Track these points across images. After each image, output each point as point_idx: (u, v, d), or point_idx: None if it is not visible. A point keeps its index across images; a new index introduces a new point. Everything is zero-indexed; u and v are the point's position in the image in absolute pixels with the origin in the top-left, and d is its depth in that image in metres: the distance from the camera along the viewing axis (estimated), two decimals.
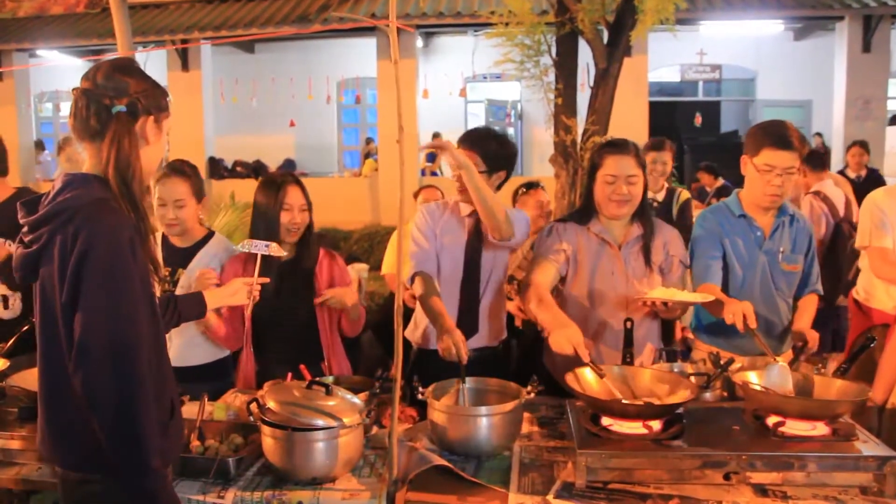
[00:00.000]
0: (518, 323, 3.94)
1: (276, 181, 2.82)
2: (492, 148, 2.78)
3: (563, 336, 2.33)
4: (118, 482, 1.61)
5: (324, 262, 2.85)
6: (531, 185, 4.42)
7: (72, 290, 1.58)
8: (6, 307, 3.02)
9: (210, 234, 2.95)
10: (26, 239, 1.67)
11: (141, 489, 1.60)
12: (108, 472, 1.63)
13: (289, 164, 13.95)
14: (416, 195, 4.33)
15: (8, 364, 2.51)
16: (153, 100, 1.73)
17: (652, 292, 2.58)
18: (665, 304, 2.54)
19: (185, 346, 2.83)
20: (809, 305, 2.90)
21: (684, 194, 4.98)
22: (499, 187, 2.84)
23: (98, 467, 1.65)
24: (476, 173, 2.57)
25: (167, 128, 1.80)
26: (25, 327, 2.69)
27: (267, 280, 2.54)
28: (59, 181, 1.69)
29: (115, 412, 1.57)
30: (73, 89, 1.71)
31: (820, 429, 2.05)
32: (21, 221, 1.69)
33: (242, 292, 2.46)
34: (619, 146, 2.73)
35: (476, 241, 2.81)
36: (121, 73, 1.70)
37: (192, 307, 2.31)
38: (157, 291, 1.91)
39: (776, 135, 2.73)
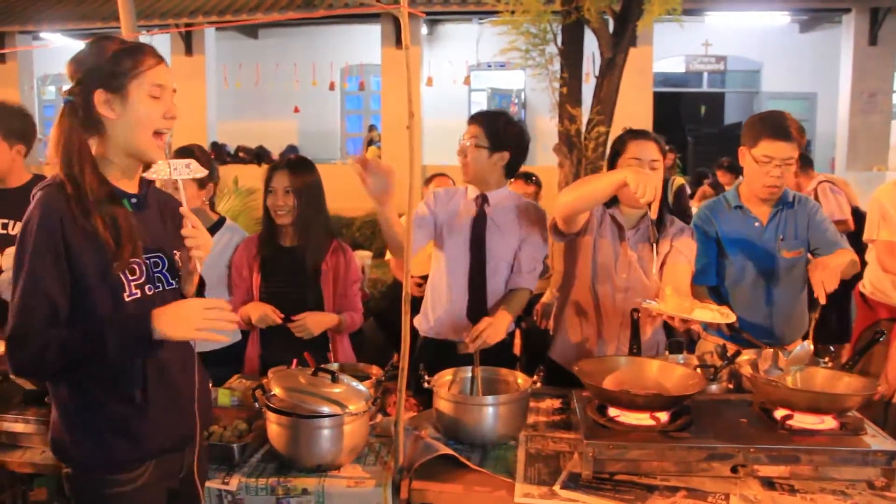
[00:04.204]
0: None
1: (270, 167, 2.86)
2: (497, 125, 2.76)
3: (649, 182, 2.29)
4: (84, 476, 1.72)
5: (334, 253, 2.84)
6: (520, 176, 4.44)
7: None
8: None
9: (221, 221, 2.94)
10: None
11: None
12: (73, 466, 1.73)
13: (291, 150, 13.90)
14: (427, 182, 4.31)
15: None
16: (103, 73, 1.68)
17: (666, 304, 2.39)
18: (684, 320, 2.40)
19: None
20: (818, 263, 2.61)
21: (677, 181, 5.08)
22: (508, 171, 2.82)
23: (64, 459, 1.73)
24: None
25: (145, 90, 1.69)
26: None
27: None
28: None
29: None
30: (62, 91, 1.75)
31: (828, 422, 2.04)
32: None
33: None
34: (642, 133, 2.73)
35: (481, 223, 2.78)
36: (73, 62, 1.73)
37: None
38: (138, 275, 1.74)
39: (774, 125, 2.71)
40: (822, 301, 2.47)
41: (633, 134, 2.74)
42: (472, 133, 2.76)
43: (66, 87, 1.72)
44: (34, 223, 1.63)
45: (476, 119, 2.80)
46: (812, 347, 2.36)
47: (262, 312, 2.69)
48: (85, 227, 1.65)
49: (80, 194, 1.65)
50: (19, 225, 2.89)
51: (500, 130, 2.75)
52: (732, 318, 2.40)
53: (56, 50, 13.90)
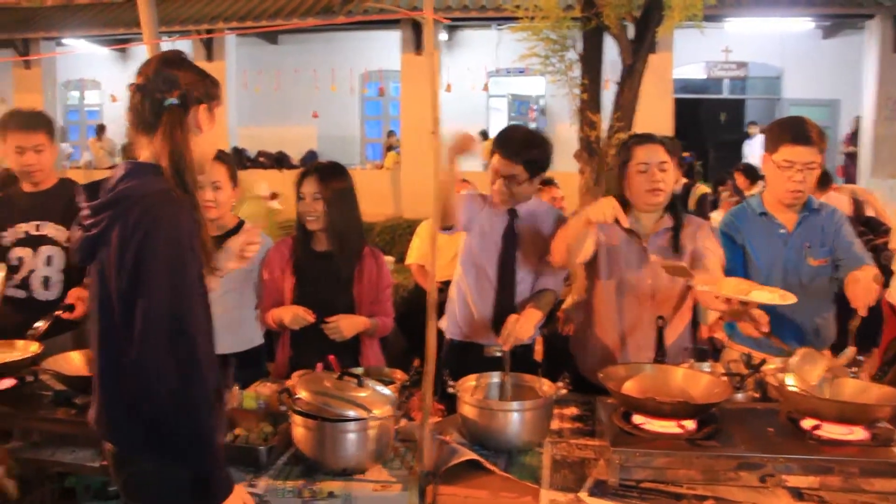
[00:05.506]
0: None
1: (301, 173, 2.86)
2: (533, 156, 2.77)
3: (600, 207, 2.37)
4: (174, 464, 1.67)
5: (366, 259, 2.84)
6: (545, 182, 4.46)
7: (131, 278, 1.61)
8: (46, 288, 3.05)
9: (240, 224, 2.95)
10: (86, 223, 1.71)
11: (201, 471, 1.67)
12: (165, 455, 1.68)
13: (311, 156, 13.99)
14: None
15: (42, 348, 2.53)
16: (203, 89, 1.77)
17: (723, 287, 2.34)
18: (743, 303, 2.35)
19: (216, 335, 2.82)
20: (859, 277, 2.53)
21: (701, 188, 5.05)
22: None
23: (155, 450, 1.69)
24: None
25: (219, 115, 1.83)
26: (59, 311, 2.72)
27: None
28: (120, 168, 1.74)
29: (174, 401, 1.61)
30: (129, 85, 1.74)
31: (857, 433, 2.01)
32: (82, 205, 1.73)
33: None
34: (647, 136, 2.73)
35: (510, 233, 2.81)
36: (170, 67, 1.74)
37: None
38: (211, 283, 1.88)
39: (794, 130, 2.70)
40: (863, 313, 2.41)
41: (637, 139, 2.74)
42: (511, 171, 2.73)
43: (144, 83, 1.72)
44: (179, 237, 1.63)
45: (511, 155, 2.74)
46: (852, 353, 2.32)
47: (295, 313, 2.70)
48: (201, 237, 1.71)
49: (195, 204, 1.70)
50: (50, 225, 2.99)
51: (536, 159, 2.76)
52: (792, 299, 2.33)
53: (79, 56, 14.12)
